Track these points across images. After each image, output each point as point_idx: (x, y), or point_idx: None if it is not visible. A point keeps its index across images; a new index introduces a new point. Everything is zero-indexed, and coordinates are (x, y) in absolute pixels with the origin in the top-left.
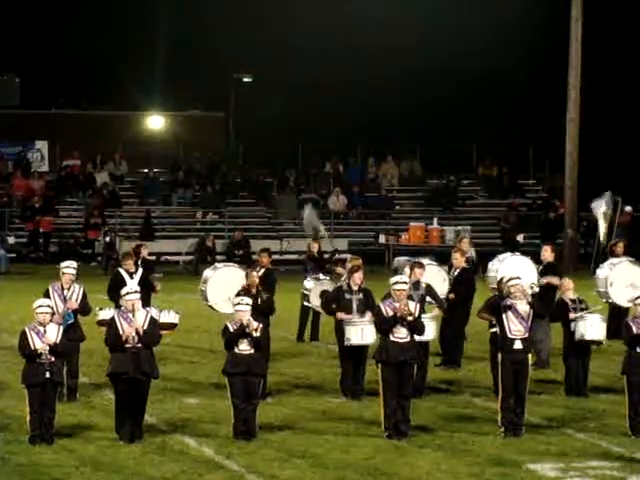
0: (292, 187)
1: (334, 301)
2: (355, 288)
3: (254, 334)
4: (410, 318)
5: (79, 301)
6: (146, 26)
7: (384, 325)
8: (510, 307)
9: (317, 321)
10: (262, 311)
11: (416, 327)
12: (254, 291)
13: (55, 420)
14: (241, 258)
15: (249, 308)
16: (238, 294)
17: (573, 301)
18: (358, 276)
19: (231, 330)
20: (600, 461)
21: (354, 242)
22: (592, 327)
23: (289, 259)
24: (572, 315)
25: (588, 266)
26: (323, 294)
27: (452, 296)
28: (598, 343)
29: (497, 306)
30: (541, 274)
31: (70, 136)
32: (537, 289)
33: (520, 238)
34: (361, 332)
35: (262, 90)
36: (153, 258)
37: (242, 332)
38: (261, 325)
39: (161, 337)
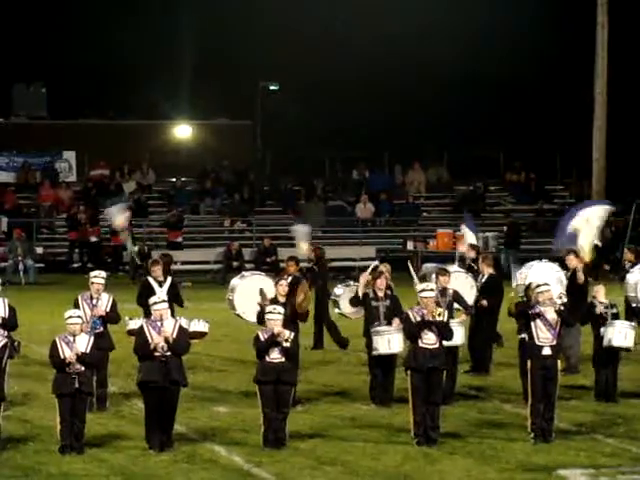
0: (319, 195)
1: (360, 304)
2: (380, 295)
3: (285, 344)
4: (439, 318)
5: (108, 309)
6: (173, 35)
7: (413, 330)
8: (539, 315)
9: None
10: (297, 319)
11: (444, 330)
12: (283, 300)
13: (85, 430)
14: (270, 266)
15: (281, 317)
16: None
17: (602, 304)
18: (380, 282)
19: (262, 339)
20: (630, 466)
21: (382, 249)
22: (620, 334)
23: None
24: (598, 309)
25: (616, 271)
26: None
27: (485, 303)
28: (626, 349)
29: (525, 313)
30: (569, 280)
31: (98, 146)
32: (565, 299)
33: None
34: (388, 342)
35: (289, 98)
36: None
37: (273, 341)
38: (292, 334)
39: (190, 346)
